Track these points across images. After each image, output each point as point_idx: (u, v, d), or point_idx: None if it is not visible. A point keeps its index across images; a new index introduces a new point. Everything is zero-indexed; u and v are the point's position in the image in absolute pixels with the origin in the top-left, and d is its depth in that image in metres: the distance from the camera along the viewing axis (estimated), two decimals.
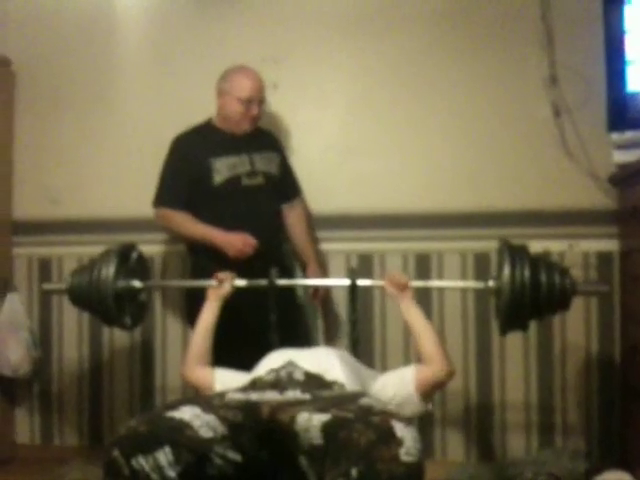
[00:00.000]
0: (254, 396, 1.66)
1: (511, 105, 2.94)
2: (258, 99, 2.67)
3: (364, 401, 1.64)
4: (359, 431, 1.41)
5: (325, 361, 1.95)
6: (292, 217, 2.82)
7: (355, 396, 1.70)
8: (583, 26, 2.86)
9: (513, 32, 2.94)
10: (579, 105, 2.84)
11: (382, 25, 3.04)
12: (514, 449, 2.88)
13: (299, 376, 1.81)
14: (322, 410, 1.51)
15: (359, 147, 2.92)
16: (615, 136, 2.71)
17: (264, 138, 2.80)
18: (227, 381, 2.05)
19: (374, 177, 3.03)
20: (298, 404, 1.58)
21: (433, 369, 2.02)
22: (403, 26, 3.03)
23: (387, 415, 1.50)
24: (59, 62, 3.31)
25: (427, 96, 3.02)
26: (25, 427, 3.29)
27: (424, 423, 2.92)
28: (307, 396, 1.65)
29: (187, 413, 1.51)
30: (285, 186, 2.81)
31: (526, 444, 2.88)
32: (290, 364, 1.91)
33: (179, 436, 1.46)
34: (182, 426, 1.48)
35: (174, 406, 1.56)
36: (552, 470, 2.61)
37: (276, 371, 1.87)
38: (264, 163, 2.73)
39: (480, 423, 2.95)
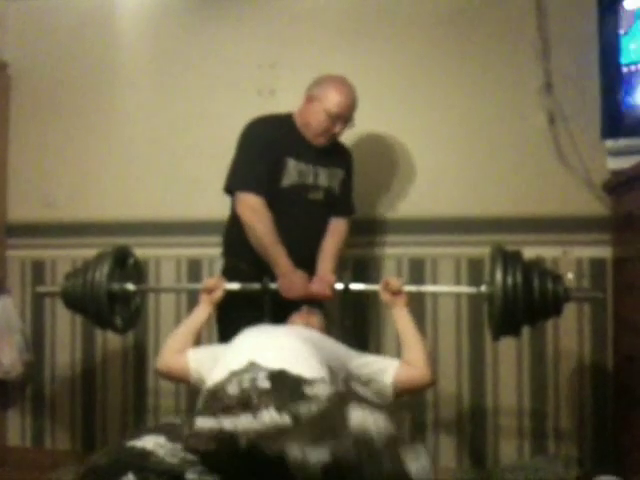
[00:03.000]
0: (227, 424, 1.48)
1: (506, 112, 2.95)
2: (345, 117, 2.51)
3: (358, 424, 1.46)
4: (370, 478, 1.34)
5: (289, 353, 1.86)
6: (332, 230, 2.64)
7: (342, 412, 1.51)
8: (578, 34, 2.87)
9: (509, 40, 2.95)
10: (574, 113, 2.85)
11: (379, 32, 3.05)
12: (507, 455, 2.88)
13: (264, 383, 1.63)
14: (315, 444, 1.39)
15: (354, 152, 2.91)
16: (609, 143, 2.71)
17: (336, 153, 2.64)
18: (200, 357, 2.04)
19: (368, 183, 3.03)
20: (281, 434, 1.43)
21: (418, 372, 2.04)
22: (399, 33, 3.04)
23: (399, 459, 1.39)
24: (55, 65, 3.32)
25: (422, 103, 3.03)
26: (16, 430, 3.28)
27: (416, 429, 2.93)
28: (286, 419, 1.48)
29: (150, 442, 1.42)
30: (340, 203, 2.67)
31: (519, 450, 2.88)
32: (252, 365, 1.78)
33: (143, 462, 1.37)
34: (145, 454, 1.38)
35: (136, 435, 1.46)
36: (545, 476, 2.62)
37: (238, 379, 1.69)
38: (327, 178, 2.58)
39: (473, 429, 2.95)
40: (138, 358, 3.18)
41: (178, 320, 3.06)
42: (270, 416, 1.47)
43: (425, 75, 3.02)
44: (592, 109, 2.78)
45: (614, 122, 2.69)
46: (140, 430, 1.52)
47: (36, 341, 3.24)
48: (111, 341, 3.15)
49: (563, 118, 2.87)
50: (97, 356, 3.22)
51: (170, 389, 3.01)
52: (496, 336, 2.20)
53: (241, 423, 1.46)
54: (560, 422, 2.88)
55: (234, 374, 1.76)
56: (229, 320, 2.43)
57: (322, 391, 1.58)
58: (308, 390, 1.58)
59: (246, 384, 1.63)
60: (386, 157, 3.04)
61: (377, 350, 2.97)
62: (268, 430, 1.43)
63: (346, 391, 1.67)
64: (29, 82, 3.34)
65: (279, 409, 1.48)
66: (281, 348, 1.89)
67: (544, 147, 2.90)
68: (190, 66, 3.20)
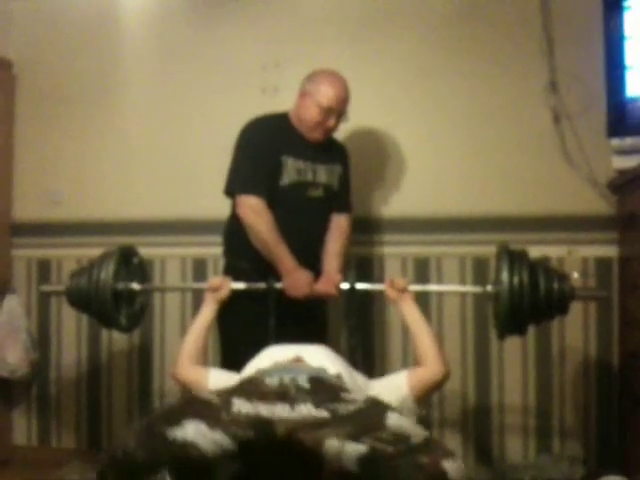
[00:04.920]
0: (264, 410, 1.49)
1: (511, 111, 2.94)
2: (338, 111, 2.49)
3: (395, 423, 1.47)
4: (406, 472, 1.32)
5: (326, 360, 1.92)
6: (334, 227, 2.63)
7: (379, 413, 1.50)
8: (583, 32, 2.86)
9: (514, 39, 2.95)
10: (579, 111, 2.85)
11: (383, 30, 3.05)
12: (512, 453, 2.89)
13: (303, 383, 1.66)
14: (354, 438, 1.37)
15: (358, 150, 2.91)
16: (615, 142, 2.70)
17: (333, 149, 2.64)
18: (221, 382, 2.01)
19: (373, 181, 3.04)
20: (319, 425, 1.42)
21: (428, 370, 2.01)
22: (403, 31, 3.04)
23: (436, 455, 1.37)
24: (60, 64, 3.32)
25: (427, 101, 3.03)
26: (22, 429, 3.29)
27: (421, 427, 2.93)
28: (324, 413, 1.48)
29: (191, 430, 1.38)
30: (339, 199, 2.65)
31: (524, 448, 2.88)
32: (298, 361, 1.86)
33: (182, 461, 1.36)
34: (186, 447, 1.35)
35: (176, 420, 1.40)
36: (550, 475, 2.61)
37: (280, 375, 1.72)
38: (326, 175, 2.57)
39: (478, 427, 2.95)
40: (143, 357, 3.19)
41: (183, 320, 3.07)
42: (308, 409, 1.49)
43: (430, 73, 3.02)
44: (597, 107, 2.78)
45: (619, 120, 2.68)
46: (181, 412, 1.45)
47: (42, 340, 3.24)
48: (116, 340, 3.16)
49: (568, 116, 2.87)
50: (102, 355, 3.22)
51: (175, 388, 2.99)
52: (502, 335, 2.20)
53: (277, 411, 1.48)
54: (565, 421, 2.87)
55: (278, 366, 1.79)
56: (232, 321, 2.44)
57: (359, 396, 1.61)
58: (345, 395, 1.61)
59: (286, 381, 1.66)
60: (391, 156, 3.04)
61: (382, 348, 2.98)
62: (306, 421, 1.43)
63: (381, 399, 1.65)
64: (34, 81, 3.34)
65: (317, 405, 1.50)
66: (321, 355, 1.95)
67: (549, 145, 2.89)
68: (194, 65, 3.20)
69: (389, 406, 1.56)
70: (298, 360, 1.88)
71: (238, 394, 1.58)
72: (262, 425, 1.42)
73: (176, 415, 1.43)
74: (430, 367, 2.01)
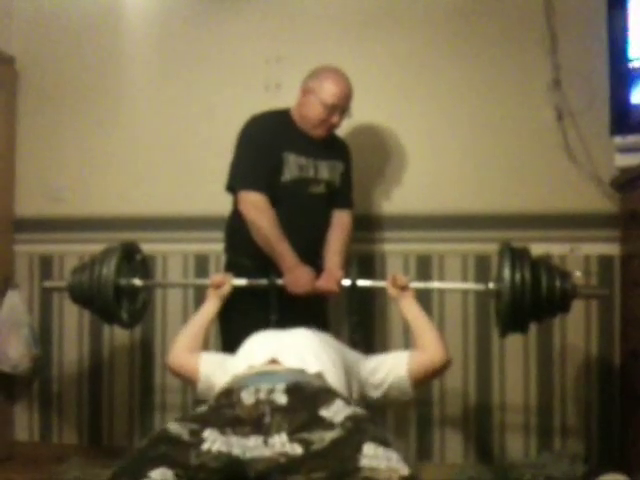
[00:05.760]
0: (236, 447, 1.43)
1: (514, 108, 2.94)
2: (342, 108, 2.50)
3: (369, 464, 1.38)
4: None
5: (308, 352, 1.89)
6: (336, 223, 2.63)
7: (356, 446, 1.42)
8: (587, 30, 2.86)
9: (517, 36, 2.95)
10: (582, 109, 2.84)
11: (386, 26, 3.04)
12: (513, 451, 2.88)
13: (280, 399, 1.58)
14: None
15: (361, 147, 2.91)
16: (618, 140, 2.69)
17: (334, 146, 2.65)
18: (211, 365, 2.04)
19: (375, 178, 3.04)
20: (291, 467, 1.38)
21: (429, 355, 2.02)
22: (407, 28, 3.04)
23: None
24: (62, 60, 3.32)
25: (430, 99, 3.02)
26: (24, 424, 3.29)
27: (423, 425, 2.93)
28: (298, 450, 1.42)
29: None
30: (341, 195, 2.65)
31: (525, 446, 2.88)
32: (273, 364, 1.83)
33: None
34: None
35: (143, 471, 1.34)
36: (551, 473, 2.61)
37: (256, 386, 1.65)
38: (327, 171, 2.57)
39: (479, 425, 2.95)
40: (145, 353, 3.19)
41: (185, 316, 3.07)
42: (281, 443, 1.44)
43: (433, 71, 3.02)
44: (600, 105, 2.77)
45: (622, 118, 2.67)
46: (148, 459, 1.39)
47: (44, 336, 3.24)
48: (118, 336, 3.16)
49: (571, 114, 2.86)
50: (104, 351, 3.23)
51: (177, 385, 3.02)
52: (503, 333, 2.20)
53: (250, 448, 1.43)
54: (566, 419, 2.87)
55: (253, 372, 1.77)
56: (234, 317, 2.44)
57: (339, 414, 1.53)
58: (324, 412, 1.54)
59: (262, 395, 1.60)
60: (393, 153, 3.04)
61: (383, 344, 2.98)
62: (277, 459, 1.39)
63: (363, 414, 1.58)
64: (36, 76, 3.33)
65: (291, 436, 1.45)
66: (301, 347, 1.91)
67: (552, 143, 2.89)
68: (196, 61, 3.20)
69: (368, 431, 1.47)
70: (273, 362, 1.84)
71: (212, 422, 1.52)
72: (233, 467, 1.39)
73: (142, 464, 1.38)
74: (433, 353, 2.03)
